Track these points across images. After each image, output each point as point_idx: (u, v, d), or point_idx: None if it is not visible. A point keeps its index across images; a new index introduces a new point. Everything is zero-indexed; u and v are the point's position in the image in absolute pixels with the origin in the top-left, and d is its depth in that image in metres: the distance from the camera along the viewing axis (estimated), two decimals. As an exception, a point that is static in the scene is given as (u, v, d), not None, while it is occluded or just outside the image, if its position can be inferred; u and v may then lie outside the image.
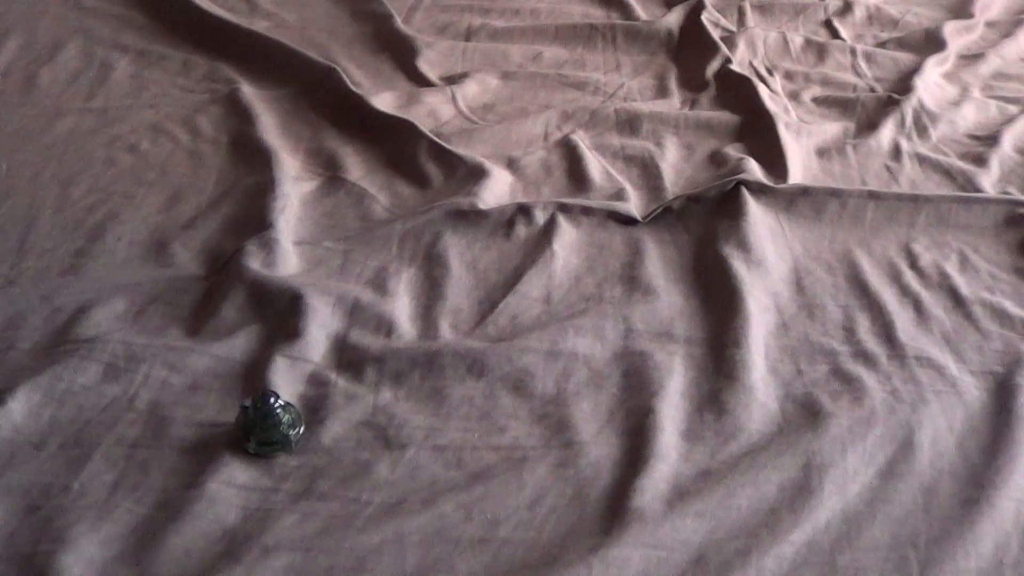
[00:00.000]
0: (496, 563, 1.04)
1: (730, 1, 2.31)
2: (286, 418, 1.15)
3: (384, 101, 1.84)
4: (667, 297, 1.41)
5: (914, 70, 2.01)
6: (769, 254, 1.48)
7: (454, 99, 1.90)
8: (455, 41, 2.13)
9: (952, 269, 1.48)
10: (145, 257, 1.46)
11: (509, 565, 1.04)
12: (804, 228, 1.56)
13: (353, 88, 1.86)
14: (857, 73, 2.06)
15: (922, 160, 1.75)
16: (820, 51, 2.14)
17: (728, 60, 2.01)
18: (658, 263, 1.48)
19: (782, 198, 1.59)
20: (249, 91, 1.87)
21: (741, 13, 2.28)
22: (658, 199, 1.62)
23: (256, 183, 1.60)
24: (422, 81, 1.96)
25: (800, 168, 1.69)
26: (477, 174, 1.63)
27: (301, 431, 1.16)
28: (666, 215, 1.56)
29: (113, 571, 1.01)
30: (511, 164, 1.70)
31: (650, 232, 1.54)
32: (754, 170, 1.64)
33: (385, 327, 1.33)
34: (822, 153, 1.77)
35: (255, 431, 1.14)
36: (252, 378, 1.24)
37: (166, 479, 1.11)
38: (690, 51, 2.09)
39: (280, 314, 1.33)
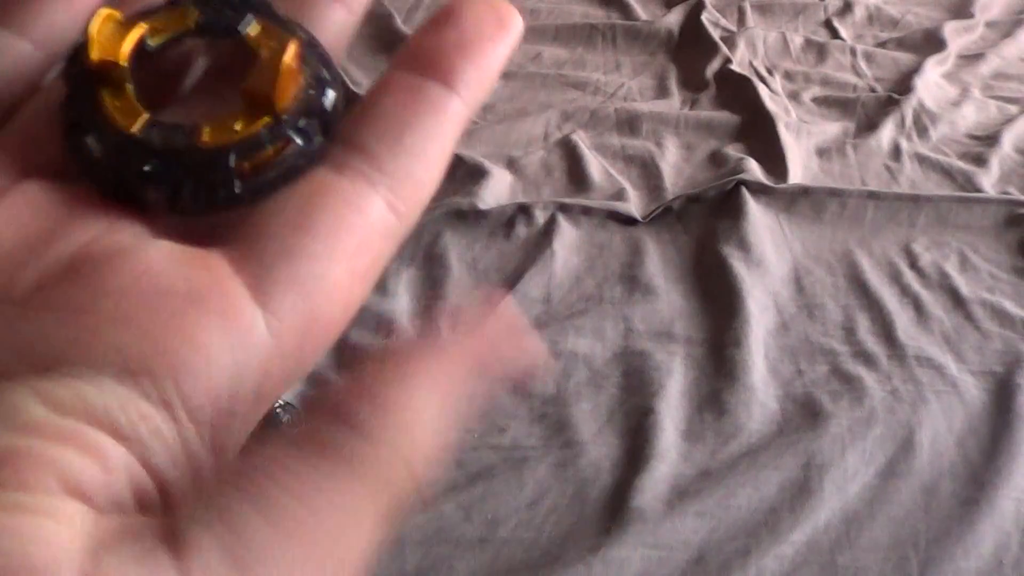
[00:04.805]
0: (496, 563, 1.04)
1: (730, 1, 2.31)
2: (286, 418, 1.15)
3: (384, 101, 1.84)
4: (667, 297, 1.41)
5: (914, 70, 2.01)
6: (769, 254, 1.48)
7: (454, 99, 1.89)
8: (455, 41, 2.13)
9: (952, 269, 1.48)
10: (145, 257, 1.46)
11: (509, 565, 1.04)
12: (804, 228, 1.56)
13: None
14: (857, 73, 2.06)
15: (922, 160, 1.75)
16: (820, 51, 2.13)
17: (728, 60, 2.01)
18: (658, 263, 1.48)
19: (782, 198, 1.59)
20: (249, 91, 1.87)
21: (741, 13, 2.28)
22: (658, 199, 1.62)
23: (256, 183, 1.60)
24: (422, 81, 1.96)
25: (800, 168, 1.69)
26: (477, 174, 1.63)
27: (301, 431, 1.16)
28: (666, 215, 1.56)
29: (113, 571, 1.01)
30: (511, 164, 1.70)
31: (650, 232, 1.54)
32: (754, 170, 1.64)
33: (385, 327, 1.33)
34: (822, 153, 1.77)
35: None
36: (252, 378, 1.24)
37: (166, 479, 1.11)
38: (690, 51, 2.09)
39: (280, 314, 1.33)
